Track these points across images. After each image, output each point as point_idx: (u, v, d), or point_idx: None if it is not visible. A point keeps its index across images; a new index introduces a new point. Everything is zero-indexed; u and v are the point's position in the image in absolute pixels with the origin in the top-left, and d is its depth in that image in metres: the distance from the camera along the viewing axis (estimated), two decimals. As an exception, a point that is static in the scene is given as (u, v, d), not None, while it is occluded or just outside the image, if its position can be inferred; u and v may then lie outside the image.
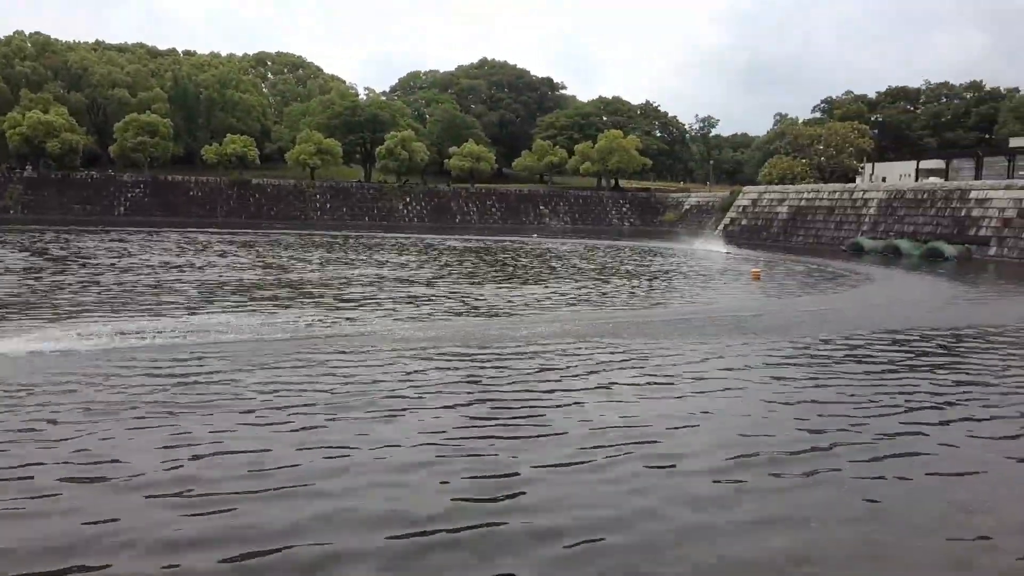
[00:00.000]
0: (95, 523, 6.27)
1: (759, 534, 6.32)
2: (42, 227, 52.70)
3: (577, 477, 7.52)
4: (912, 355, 14.21)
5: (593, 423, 9.24)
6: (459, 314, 18.22)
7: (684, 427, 9.24)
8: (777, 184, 71.97)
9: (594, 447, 8.34)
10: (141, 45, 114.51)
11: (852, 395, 10.94)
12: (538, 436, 8.79)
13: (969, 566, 6.01)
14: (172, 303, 18.75)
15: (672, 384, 11.40)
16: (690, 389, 11.12)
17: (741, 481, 7.45)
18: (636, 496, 7.05)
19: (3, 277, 23.45)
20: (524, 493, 7.06)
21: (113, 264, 28.65)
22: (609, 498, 6.99)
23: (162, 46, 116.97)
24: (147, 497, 6.77)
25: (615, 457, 8.05)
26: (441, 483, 7.25)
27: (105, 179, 79.73)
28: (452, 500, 6.86)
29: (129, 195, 78.92)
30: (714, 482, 7.43)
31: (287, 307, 18.55)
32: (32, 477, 7.22)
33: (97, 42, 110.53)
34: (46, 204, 74.45)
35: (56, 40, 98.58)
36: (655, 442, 8.59)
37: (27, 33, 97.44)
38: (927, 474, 7.84)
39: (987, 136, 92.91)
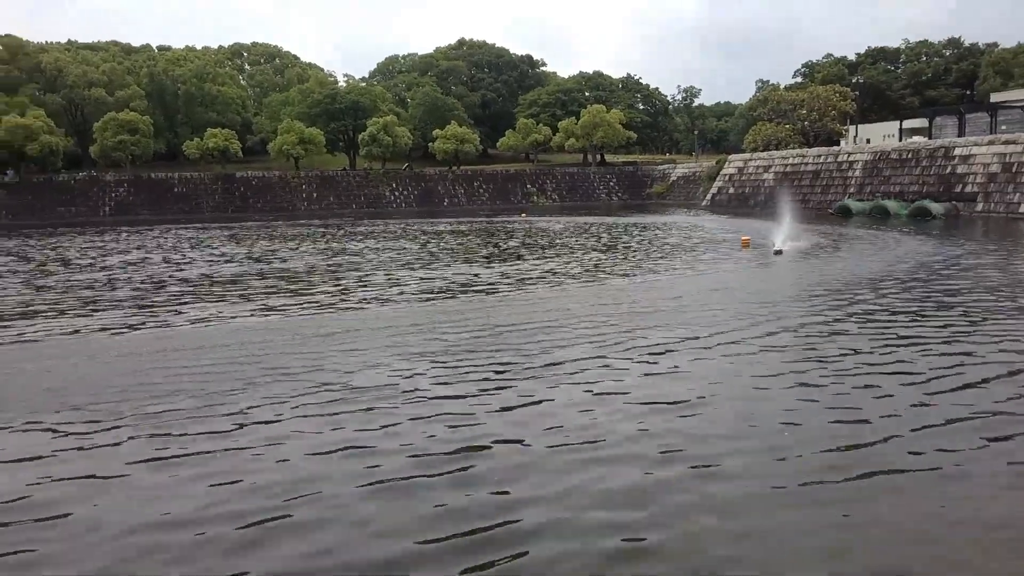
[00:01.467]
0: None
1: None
2: (29, 230, 52.36)
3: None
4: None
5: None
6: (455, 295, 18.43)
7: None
8: (762, 151, 72.20)
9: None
10: (115, 43, 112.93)
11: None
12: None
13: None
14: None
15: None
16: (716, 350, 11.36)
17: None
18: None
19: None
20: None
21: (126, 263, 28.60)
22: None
23: (135, 43, 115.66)
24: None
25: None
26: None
27: (88, 180, 79.16)
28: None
29: (113, 195, 78.40)
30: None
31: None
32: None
33: (70, 42, 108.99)
34: (30, 208, 73.87)
35: (28, 41, 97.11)
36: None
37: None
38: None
39: (968, 92, 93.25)
